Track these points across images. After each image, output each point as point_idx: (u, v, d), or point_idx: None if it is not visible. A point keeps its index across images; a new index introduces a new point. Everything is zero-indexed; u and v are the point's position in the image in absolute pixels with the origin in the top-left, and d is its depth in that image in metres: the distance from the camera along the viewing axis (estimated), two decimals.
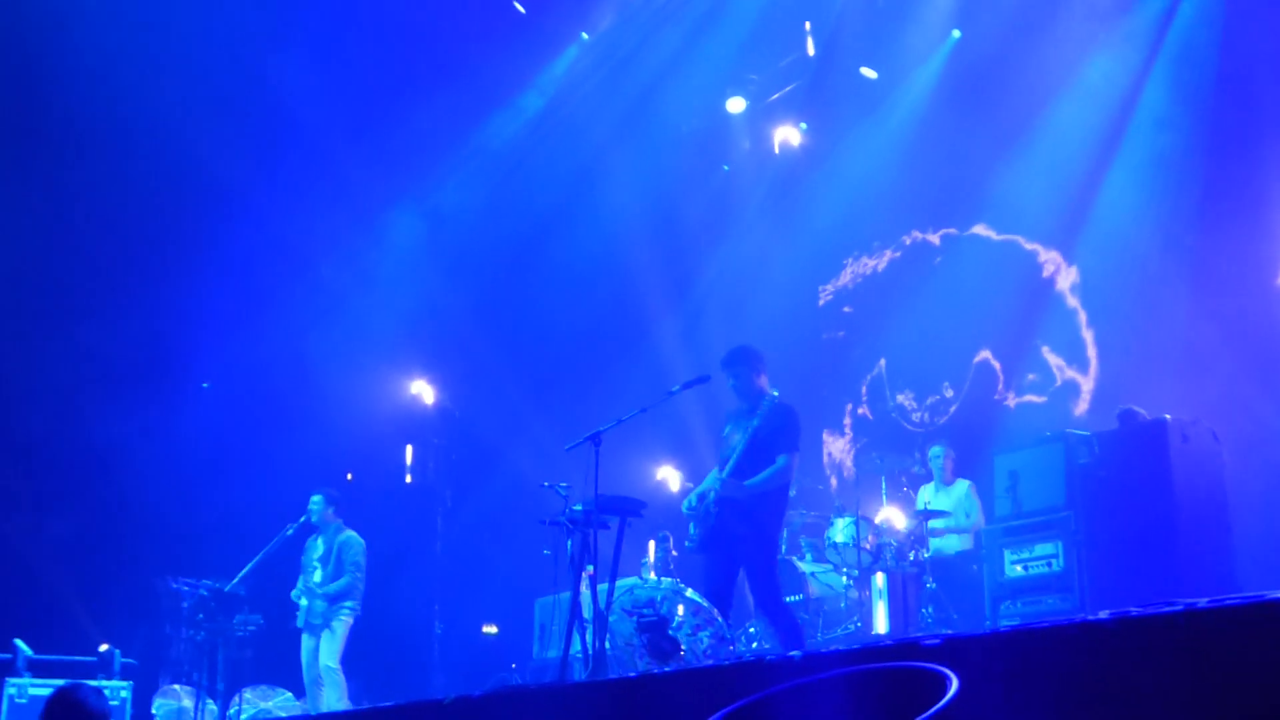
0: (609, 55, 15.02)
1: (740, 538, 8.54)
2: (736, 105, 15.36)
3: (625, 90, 14.91)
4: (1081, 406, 11.88)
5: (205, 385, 14.69)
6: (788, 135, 15.40)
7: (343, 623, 11.50)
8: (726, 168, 16.11)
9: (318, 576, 11.64)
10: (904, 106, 14.06)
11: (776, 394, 8.83)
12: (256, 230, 14.18)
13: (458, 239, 15.55)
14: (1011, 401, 12.69)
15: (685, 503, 8.91)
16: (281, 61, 13.92)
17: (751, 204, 15.64)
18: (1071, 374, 12.19)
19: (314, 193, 14.57)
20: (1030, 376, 12.56)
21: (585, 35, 15.28)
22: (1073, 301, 12.34)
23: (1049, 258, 12.61)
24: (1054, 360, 12.39)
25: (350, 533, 11.81)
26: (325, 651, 11.36)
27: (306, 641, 11.56)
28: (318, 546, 11.83)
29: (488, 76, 14.73)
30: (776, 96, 15.28)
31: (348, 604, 11.57)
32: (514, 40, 14.77)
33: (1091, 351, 12.07)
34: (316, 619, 11.49)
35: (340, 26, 14.02)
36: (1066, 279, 12.40)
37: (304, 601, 11.57)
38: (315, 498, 11.82)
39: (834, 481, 13.95)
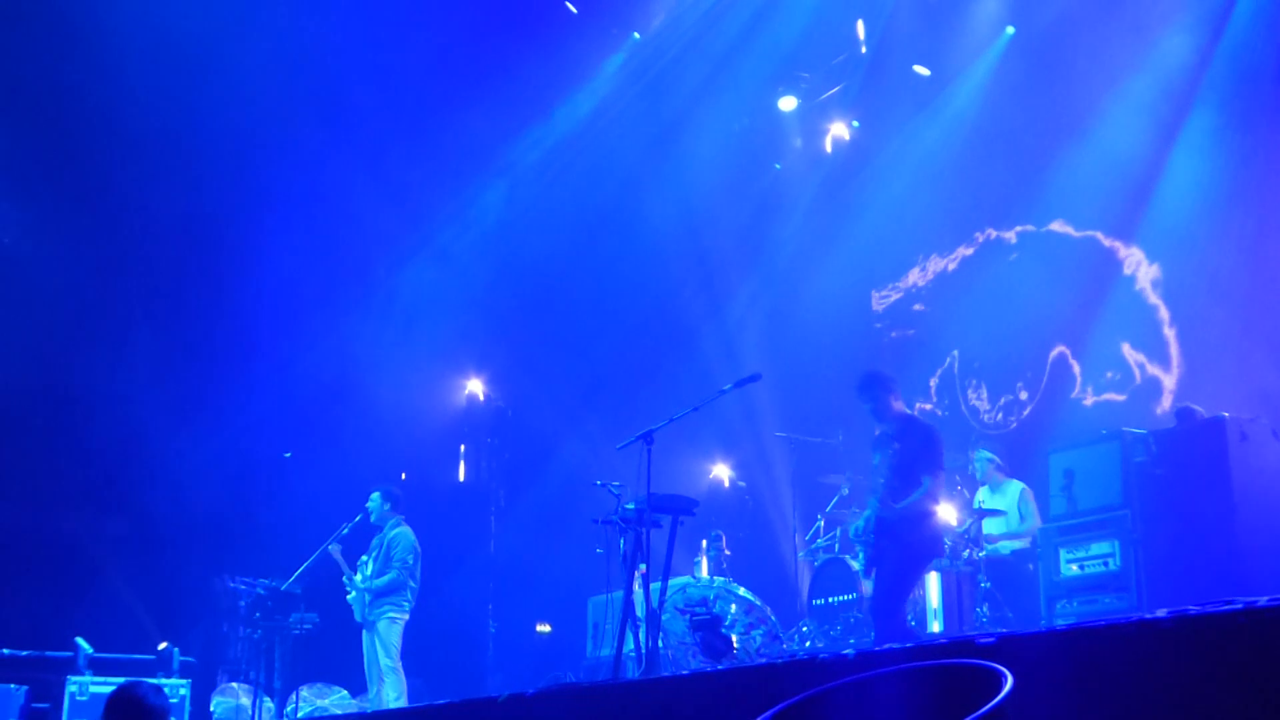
0: (660, 54, 15.02)
1: (888, 553, 8.63)
2: (788, 104, 15.32)
3: (677, 89, 14.90)
4: (1164, 404, 11.73)
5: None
6: (840, 133, 15.35)
7: (389, 620, 11.42)
8: (778, 166, 16.07)
9: (367, 571, 11.66)
10: (958, 103, 13.97)
11: (909, 411, 8.87)
12: (310, 232, 14.31)
13: (510, 240, 15.60)
14: (1089, 400, 12.55)
15: (852, 529, 9.00)
16: (334, 63, 14.04)
17: (803, 203, 15.59)
18: (1154, 371, 12.02)
19: (367, 195, 14.66)
20: (1110, 374, 12.40)
21: (637, 35, 15.29)
22: (1154, 298, 12.18)
23: (1129, 254, 12.45)
24: (1135, 357, 12.22)
25: (403, 529, 11.77)
26: (380, 650, 11.38)
27: (366, 637, 11.60)
28: (374, 543, 11.85)
29: (540, 77, 14.77)
30: (829, 95, 15.23)
31: (393, 600, 11.49)
32: (566, 40, 14.80)
33: (1174, 349, 11.90)
34: (368, 615, 11.50)
35: (394, 26, 14.10)
36: (1147, 276, 12.23)
37: (352, 595, 11.60)
38: (374, 495, 11.86)
39: None
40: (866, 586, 9.94)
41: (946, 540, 10.72)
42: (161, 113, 13.07)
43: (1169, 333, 11.98)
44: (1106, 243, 12.68)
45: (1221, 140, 11.38)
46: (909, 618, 10.64)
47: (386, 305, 15.18)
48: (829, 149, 15.43)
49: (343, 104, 14.33)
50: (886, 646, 4.99)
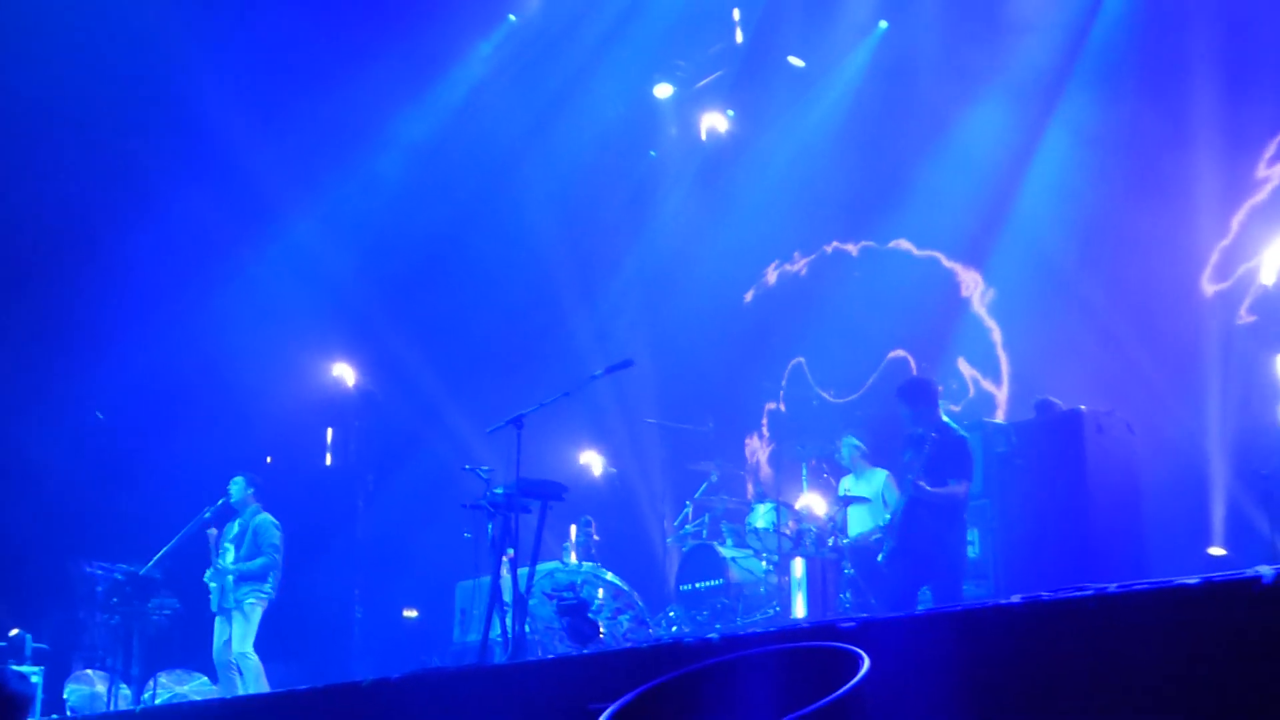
0: (537, 37, 14.94)
1: (924, 557, 8.66)
2: (664, 91, 15.36)
3: (552, 74, 14.84)
4: (997, 418, 12.05)
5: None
6: (715, 122, 15.41)
7: (254, 606, 11.19)
8: (653, 154, 16.09)
9: (230, 557, 11.37)
10: (830, 98, 14.13)
11: (947, 420, 8.92)
12: (170, 218, 13.95)
13: (380, 222, 15.39)
14: None
15: (881, 519, 9.01)
16: (192, 50, 13.73)
17: (678, 191, 15.64)
18: (987, 386, 12.39)
19: (228, 180, 14.35)
20: (952, 384, 12.70)
21: (513, 17, 15.19)
22: (990, 321, 12.54)
23: (968, 278, 12.78)
24: (969, 371, 12.57)
25: (266, 515, 11.55)
26: (238, 637, 11.09)
27: (220, 626, 11.34)
28: (233, 528, 11.60)
29: (410, 59, 14.59)
30: (704, 83, 15.30)
31: (261, 587, 11.26)
32: (438, 22, 14.64)
33: (1005, 368, 12.29)
34: (229, 601, 11.21)
35: (252, 9, 13.83)
36: (985, 299, 12.60)
37: (213, 584, 11.32)
38: (236, 480, 11.61)
39: (750, 484, 13.98)
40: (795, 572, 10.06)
41: (811, 528, 10.89)
42: (12, 82, 12.67)
43: (1002, 354, 12.35)
44: (947, 264, 13.00)
45: (1076, 154, 11.70)
46: (774, 604, 10.80)
47: (251, 287, 14.86)
48: (704, 138, 15.48)
49: (202, 87, 13.97)
50: (751, 631, 5.04)
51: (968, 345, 12.65)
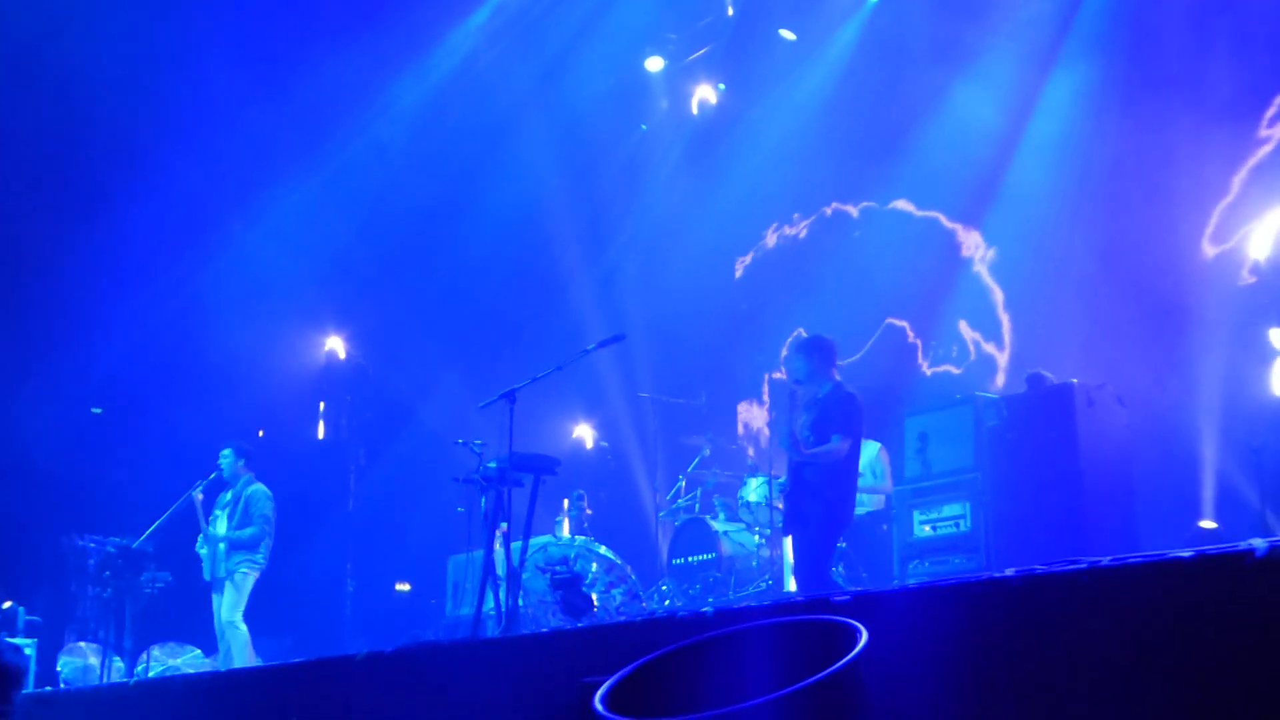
0: (528, 8, 14.86)
1: (806, 516, 8.52)
2: (655, 64, 15.31)
3: (543, 45, 14.77)
4: (998, 381, 12.03)
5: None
6: (706, 95, 15.37)
7: (245, 576, 11.14)
8: (644, 127, 16.05)
9: (221, 525, 11.30)
10: (822, 70, 14.07)
11: (840, 379, 8.85)
12: (162, 187, 13.88)
13: (371, 195, 15.35)
14: (927, 370, 12.82)
15: (776, 486, 8.83)
16: (188, 14, 13.65)
17: (669, 165, 15.60)
18: (989, 349, 12.34)
19: (221, 148, 14.28)
20: (952, 348, 12.68)
21: None
22: (990, 281, 12.47)
23: (968, 238, 12.73)
24: (970, 334, 12.53)
25: (259, 485, 11.49)
26: (228, 605, 11.04)
27: (216, 597, 11.34)
28: (225, 496, 11.55)
29: (402, 28, 14.51)
30: (695, 56, 15.25)
31: (253, 556, 11.20)
32: None
33: (1007, 329, 12.22)
34: (220, 570, 11.13)
35: None
36: (985, 259, 12.53)
37: (204, 551, 11.25)
38: (225, 451, 11.54)
39: (751, 451, 13.99)
40: (787, 547, 10.02)
41: None
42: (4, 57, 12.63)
43: (1003, 315, 12.30)
44: (947, 224, 12.95)
45: (1073, 117, 11.63)
46: (766, 578, 10.84)
47: (243, 258, 14.82)
48: (695, 111, 15.44)
49: (196, 53, 13.91)
50: (745, 605, 5.05)
51: (969, 308, 12.58)
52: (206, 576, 11.29)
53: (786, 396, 8.96)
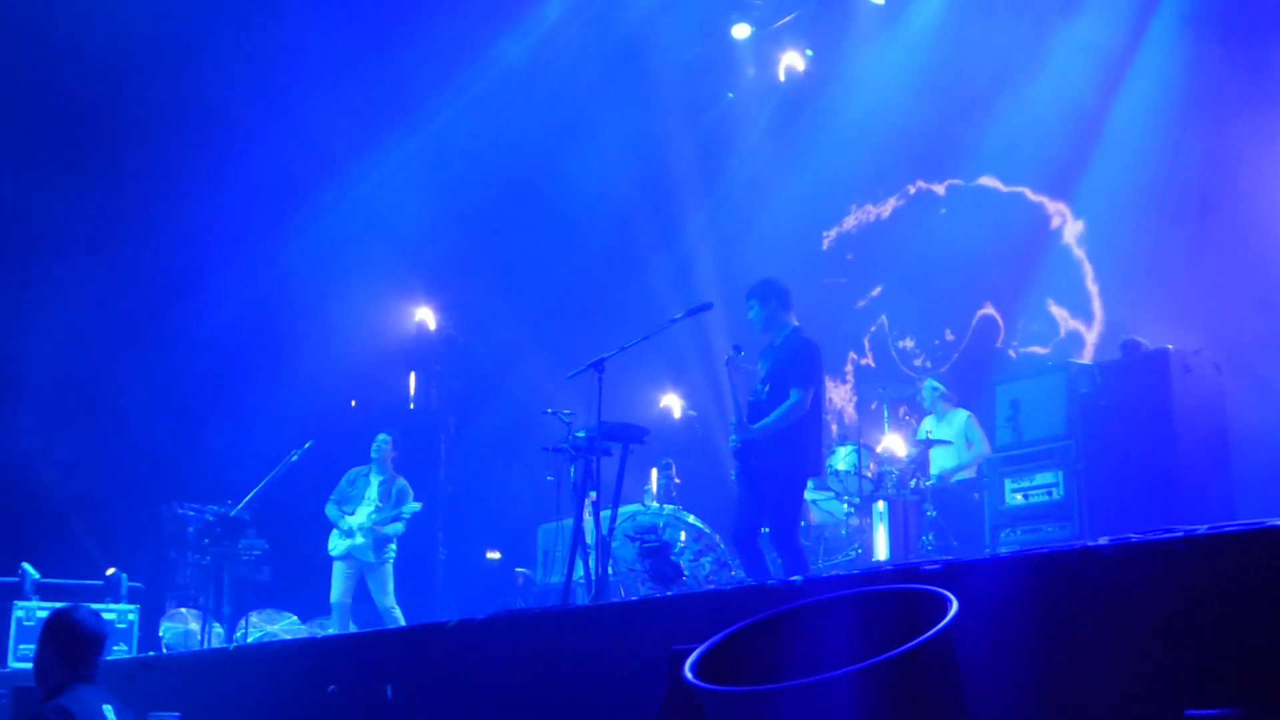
0: None
1: (762, 475, 8.37)
2: (742, 31, 15.20)
3: (628, 15, 14.72)
4: (1085, 358, 11.80)
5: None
6: (794, 63, 15.23)
7: (390, 562, 11.84)
8: (731, 95, 15.96)
9: (370, 513, 11.75)
10: (910, 34, 13.86)
11: (797, 324, 8.72)
12: (258, 159, 14.09)
13: (460, 167, 15.43)
14: (1013, 352, 12.64)
15: (731, 440, 8.69)
16: None
17: (755, 133, 15.50)
18: (1075, 325, 12.12)
19: (315, 120, 14.46)
20: (1036, 327, 12.48)
21: None
22: (1079, 253, 12.24)
23: (1056, 210, 12.49)
24: (1058, 312, 12.31)
25: (403, 479, 12.12)
26: (385, 593, 11.72)
27: (343, 570, 11.70)
28: (370, 483, 11.93)
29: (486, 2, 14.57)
30: (782, 23, 15.11)
31: (393, 544, 11.89)
32: None
33: (1096, 305, 11.99)
34: (367, 555, 11.64)
35: None
36: (1073, 231, 12.29)
37: (360, 539, 11.63)
38: (382, 436, 12.10)
39: (834, 428, 13.86)
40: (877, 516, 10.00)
41: (892, 470, 10.83)
42: (107, 37, 12.83)
43: (1092, 288, 12.06)
44: (1034, 198, 12.73)
45: (1165, 86, 11.35)
46: (855, 546, 10.80)
47: (336, 231, 15.03)
48: (782, 78, 15.31)
49: (291, 25, 14.07)
50: (834, 574, 5.04)
51: (1055, 284, 12.39)
52: (338, 552, 11.57)
53: (725, 366, 8.78)
